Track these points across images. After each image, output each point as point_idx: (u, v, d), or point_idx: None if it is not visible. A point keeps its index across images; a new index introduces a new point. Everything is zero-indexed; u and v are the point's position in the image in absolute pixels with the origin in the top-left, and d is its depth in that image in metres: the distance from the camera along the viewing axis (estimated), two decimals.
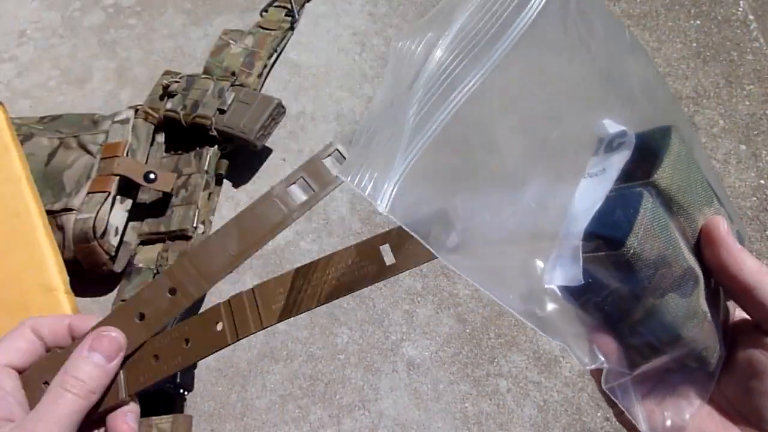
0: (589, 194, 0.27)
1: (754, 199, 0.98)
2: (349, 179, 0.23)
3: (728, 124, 1.05)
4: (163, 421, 0.78)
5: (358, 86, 1.13)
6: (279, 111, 1.08)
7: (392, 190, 0.22)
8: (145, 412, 0.79)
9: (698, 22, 1.16)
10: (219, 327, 0.32)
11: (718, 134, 1.04)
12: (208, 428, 0.86)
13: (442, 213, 0.26)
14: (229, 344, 0.32)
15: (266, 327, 0.32)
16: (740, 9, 1.17)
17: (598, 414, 0.84)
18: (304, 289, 0.33)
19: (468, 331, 0.90)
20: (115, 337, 0.28)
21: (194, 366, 0.85)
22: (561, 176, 0.27)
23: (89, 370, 0.28)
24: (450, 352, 0.89)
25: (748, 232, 0.97)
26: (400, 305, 0.93)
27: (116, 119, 1.01)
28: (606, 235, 0.25)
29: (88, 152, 0.98)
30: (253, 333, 0.32)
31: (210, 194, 1.00)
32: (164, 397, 0.83)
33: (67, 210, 0.92)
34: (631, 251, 0.25)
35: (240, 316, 0.32)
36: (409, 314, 0.92)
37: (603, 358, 0.26)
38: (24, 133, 1.00)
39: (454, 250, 0.25)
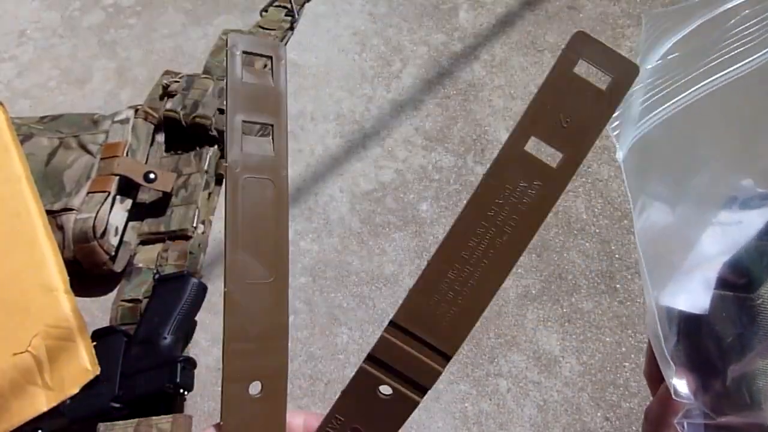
0: (721, 240, 0.27)
1: None
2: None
3: None
4: (163, 421, 0.78)
5: (358, 86, 1.13)
6: None
7: (627, 148, 0.27)
8: (145, 412, 0.80)
9: None
10: (385, 390, 0.26)
11: None
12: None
13: (650, 187, 0.28)
14: (419, 402, 0.26)
15: (454, 352, 0.25)
16: None
17: (598, 414, 0.84)
18: (467, 272, 0.25)
19: None
20: None
21: (194, 365, 0.85)
22: (699, 208, 0.29)
23: None
24: None
25: None
26: None
27: (116, 119, 1.01)
28: (749, 271, 0.26)
29: (88, 152, 0.98)
30: (441, 373, 0.25)
31: (210, 194, 1.00)
32: (164, 397, 0.82)
33: (67, 210, 0.92)
34: (760, 300, 0.25)
35: (402, 362, 0.25)
36: None
37: (691, 394, 0.27)
38: (24, 133, 1.00)
39: (643, 223, 0.28)
